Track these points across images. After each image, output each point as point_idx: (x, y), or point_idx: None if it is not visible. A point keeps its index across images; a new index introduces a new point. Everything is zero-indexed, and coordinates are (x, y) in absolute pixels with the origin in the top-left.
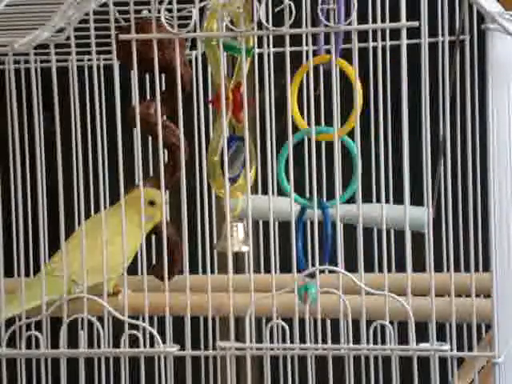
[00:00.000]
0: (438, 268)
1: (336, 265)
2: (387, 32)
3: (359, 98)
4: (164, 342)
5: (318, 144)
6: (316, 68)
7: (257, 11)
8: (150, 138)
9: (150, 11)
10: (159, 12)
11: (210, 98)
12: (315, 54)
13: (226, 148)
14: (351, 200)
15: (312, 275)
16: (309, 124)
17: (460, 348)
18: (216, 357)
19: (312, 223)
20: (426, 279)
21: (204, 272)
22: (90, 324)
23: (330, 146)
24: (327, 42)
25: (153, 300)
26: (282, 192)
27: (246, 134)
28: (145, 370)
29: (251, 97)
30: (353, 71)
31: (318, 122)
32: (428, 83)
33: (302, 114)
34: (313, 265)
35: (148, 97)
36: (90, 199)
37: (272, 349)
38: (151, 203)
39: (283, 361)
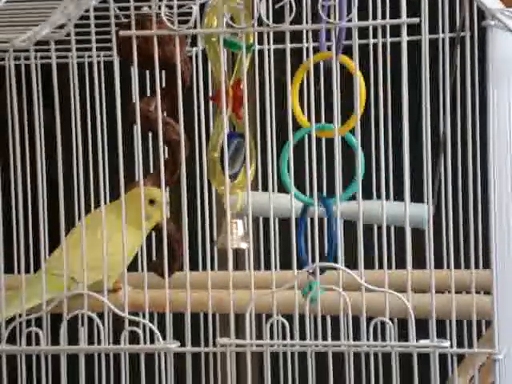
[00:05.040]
0: (438, 265)
1: (336, 261)
2: (387, 28)
3: (361, 93)
4: (164, 338)
5: (319, 141)
6: (317, 65)
7: (257, 8)
8: (150, 135)
9: (150, 8)
10: (159, 8)
11: (210, 95)
12: (317, 50)
13: (226, 145)
14: (351, 197)
15: (316, 272)
16: (309, 121)
17: (460, 344)
18: (216, 353)
19: (312, 220)
20: (426, 276)
21: (204, 268)
22: (90, 320)
23: (331, 142)
24: (329, 38)
25: (153, 296)
26: (284, 189)
27: (247, 130)
28: (145, 367)
29: (251, 93)
30: (355, 67)
31: (318, 119)
32: (428, 80)
33: (302, 110)
34: (313, 262)
35: (148, 93)
36: (89, 196)
37: (272, 345)
38: (151, 202)
39: (283, 357)
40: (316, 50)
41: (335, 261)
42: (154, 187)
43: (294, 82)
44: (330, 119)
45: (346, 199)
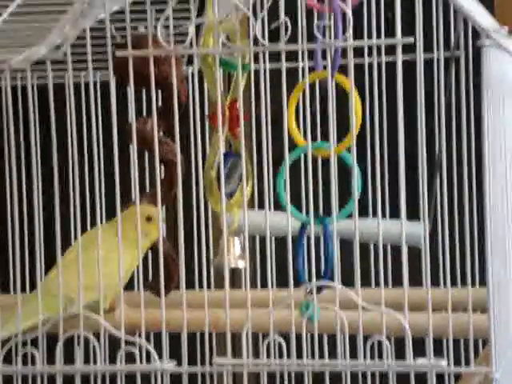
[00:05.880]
0: (435, 282)
1: (332, 280)
2: (382, 48)
3: (357, 111)
4: (160, 358)
5: (315, 160)
6: (313, 84)
7: (253, 28)
8: (146, 154)
9: (146, 28)
10: (156, 28)
11: (206, 114)
12: (313, 69)
13: (223, 164)
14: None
15: (313, 291)
16: (306, 140)
17: (457, 363)
18: (213, 373)
19: (309, 239)
20: (423, 294)
21: (200, 287)
22: (86, 340)
23: (328, 161)
24: (325, 57)
25: (149, 316)
26: (281, 209)
27: (242, 149)
28: None
29: (247, 113)
30: (350, 85)
31: (314, 138)
32: (423, 99)
33: (298, 129)
34: (310, 281)
35: (144, 113)
36: (86, 215)
37: (269, 365)
38: (148, 219)
39: (280, 377)
40: (312, 70)
41: (331, 279)
42: (150, 205)
43: (290, 102)
44: (326, 138)
45: (343, 218)
